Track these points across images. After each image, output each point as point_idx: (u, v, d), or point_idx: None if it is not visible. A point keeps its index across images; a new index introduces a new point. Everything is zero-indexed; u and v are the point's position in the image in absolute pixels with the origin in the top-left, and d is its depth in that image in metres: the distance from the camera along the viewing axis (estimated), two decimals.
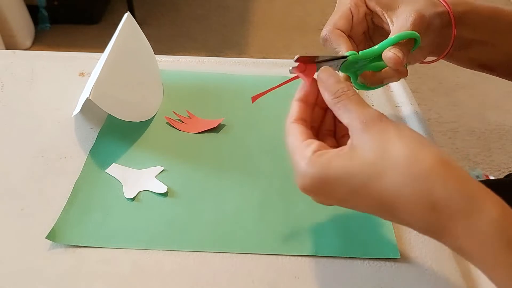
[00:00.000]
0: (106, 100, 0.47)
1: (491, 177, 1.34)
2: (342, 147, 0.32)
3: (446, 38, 0.45)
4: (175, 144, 0.49)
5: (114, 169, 0.46)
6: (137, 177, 0.45)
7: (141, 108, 0.52)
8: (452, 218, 0.28)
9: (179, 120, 0.52)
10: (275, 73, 0.60)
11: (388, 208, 0.30)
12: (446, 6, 0.44)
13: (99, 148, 0.48)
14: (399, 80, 0.45)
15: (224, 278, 0.37)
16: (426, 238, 0.40)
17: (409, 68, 0.47)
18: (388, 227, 0.41)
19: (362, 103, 0.33)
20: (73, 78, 0.59)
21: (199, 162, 0.47)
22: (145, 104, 0.53)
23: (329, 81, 0.35)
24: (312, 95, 0.37)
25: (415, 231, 0.41)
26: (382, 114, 0.32)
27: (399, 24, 0.42)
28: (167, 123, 0.52)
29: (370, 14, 0.46)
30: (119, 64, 0.52)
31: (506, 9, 0.48)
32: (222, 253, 0.39)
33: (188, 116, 0.53)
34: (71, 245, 0.39)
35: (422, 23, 0.42)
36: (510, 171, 1.39)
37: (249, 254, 0.38)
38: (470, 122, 1.58)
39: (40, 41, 1.95)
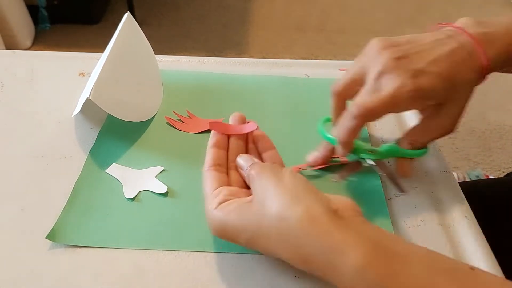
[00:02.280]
0: (106, 100, 0.47)
1: (491, 177, 1.34)
2: (247, 198, 0.36)
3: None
4: (175, 144, 0.49)
5: (114, 169, 0.46)
6: (137, 177, 0.45)
7: (141, 108, 0.52)
8: (323, 270, 0.30)
9: (179, 120, 0.52)
10: (275, 73, 0.60)
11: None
12: (485, 62, 0.39)
13: (99, 148, 0.48)
14: None
15: (224, 278, 0.37)
16: (425, 238, 0.40)
17: None
18: (388, 227, 0.41)
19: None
20: (73, 78, 0.59)
21: (199, 162, 0.47)
22: (145, 104, 0.53)
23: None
24: (223, 140, 0.42)
25: (414, 230, 0.41)
26: (276, 165, 0.37)
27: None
28: (167, 123, 0.52)
29: None
30: (119, 64, 0.52)
31: None
32: (222, 253, 0.39)
33: (188, 116, 0.53)
34: (71, 245, 0.39)
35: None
36: (510, 170, 1.39)
37: (249, 254, 0.38)
38: (470, 122, 1.58)
39: (40, 41, 1.95)
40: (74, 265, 0.37)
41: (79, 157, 0.47)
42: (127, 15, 0.56)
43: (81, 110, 0.49)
